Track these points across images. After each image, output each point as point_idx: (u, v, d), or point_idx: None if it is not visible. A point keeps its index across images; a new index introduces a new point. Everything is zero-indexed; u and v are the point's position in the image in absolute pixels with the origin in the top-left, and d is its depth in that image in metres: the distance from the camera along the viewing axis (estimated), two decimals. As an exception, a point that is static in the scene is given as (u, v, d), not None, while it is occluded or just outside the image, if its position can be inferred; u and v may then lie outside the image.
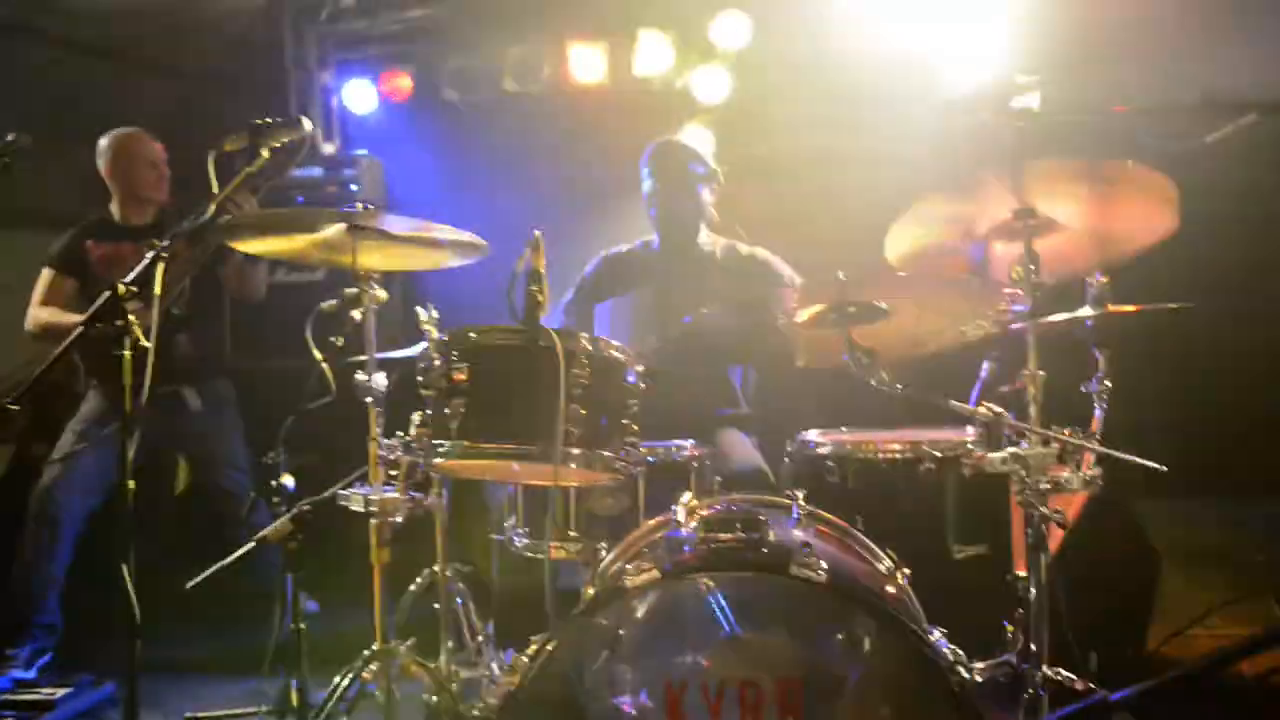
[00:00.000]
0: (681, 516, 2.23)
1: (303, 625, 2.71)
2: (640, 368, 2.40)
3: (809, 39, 4.91)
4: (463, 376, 2.25)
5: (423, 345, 2.43)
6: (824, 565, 1.82)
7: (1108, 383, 2.62)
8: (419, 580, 2.93)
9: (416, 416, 2.34)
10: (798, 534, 2.18)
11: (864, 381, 2.31)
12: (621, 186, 3.98)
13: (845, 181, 4.89)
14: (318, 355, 2.90)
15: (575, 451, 2.19)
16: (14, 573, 3.81)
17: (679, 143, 3.73)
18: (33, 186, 4.11)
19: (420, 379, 2.33)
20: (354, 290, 2.81)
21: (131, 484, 2.57)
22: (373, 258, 2.70)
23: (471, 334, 2.27)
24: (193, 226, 2.60)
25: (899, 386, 2.31)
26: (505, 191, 5.23)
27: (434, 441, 2.26)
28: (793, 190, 5.13)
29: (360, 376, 2.60)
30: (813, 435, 2.88)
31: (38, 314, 3.99)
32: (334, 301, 2.88)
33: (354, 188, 5.02)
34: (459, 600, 2.89)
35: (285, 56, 5.72)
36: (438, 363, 2.28)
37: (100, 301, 2.55)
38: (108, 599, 2.40)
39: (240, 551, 2.72)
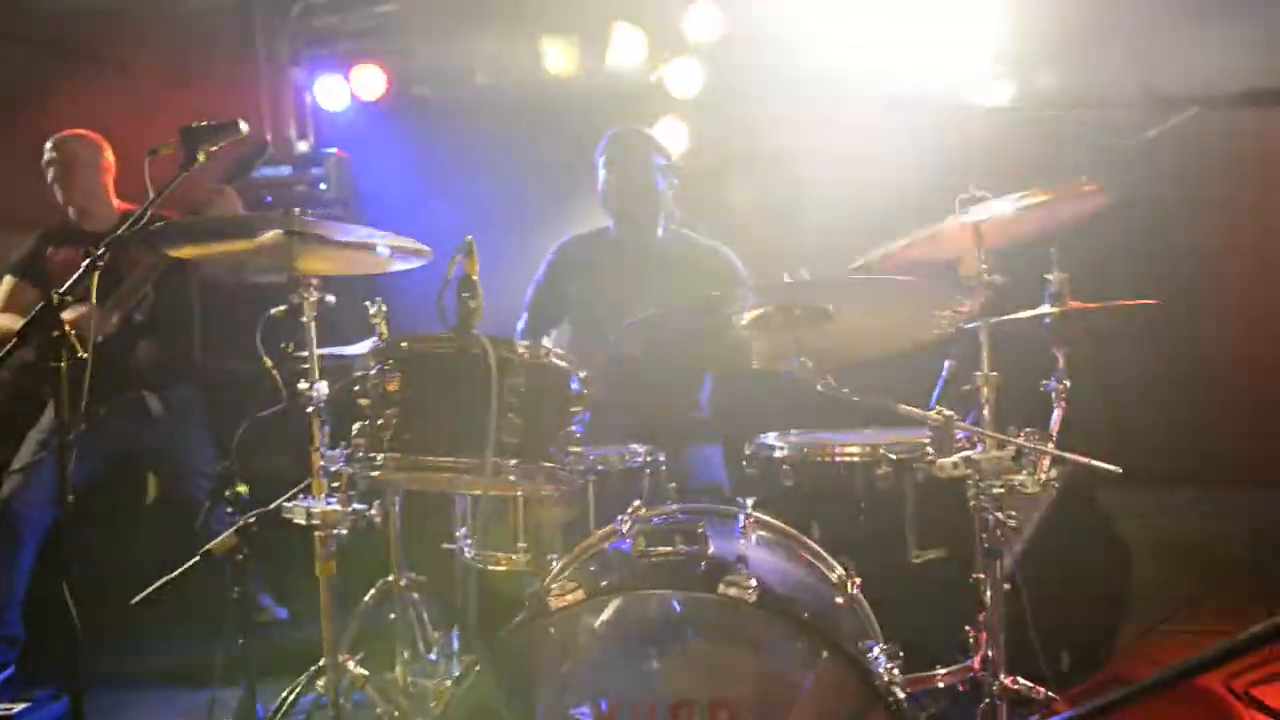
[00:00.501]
0: (625, 528, 2.16)
1: (244, 639, 2.64)
2: (584, 374, 2.32)
3: (781, 29, 4.82)
4: (395, 386, 2.17)
5: (371, 343, 2.36)
6: (753, 583, 1.74)
7: (1066, 382, 2.55)
8: (372, 591, 2.86)
9: (355, 426, 2.26)
10: (739, 545, 2.11)
11: (816, 387, 2.23)
12: (595, 180, 3.88)
13: (822, 175, 4.83)
14: (267, 362, 2.84)
15: (510, 463, 2.11)
16: None
17: (638, 131, 3.61)
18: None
19: (356, 388, 2.26)
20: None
21: (71, 498, 2.52)
22: (316, 263, 2.62)
23: (403, 342, 2.19)
24: (129, 234, 2.51)
25: (845, 391, 2.24)
26: (477, 186, 5.16)
27: (369, 454, 2.18)
28: (769, 184, 5.07)
29: (302, 385, 2.52)
30: (770, 438, 2.80)
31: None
32: (283, 307, 2.81)
33: (322, 186, 4.94)
34: (413, 611, 2.82)
35: (256, 54, 5.63)
36: (372, 371, 2.20)
37: (34, 313, 2.47)
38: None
39: (186, 566, 2.64)
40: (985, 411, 2.33)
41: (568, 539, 2.49)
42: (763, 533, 2.27)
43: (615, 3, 5.16)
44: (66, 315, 3.78)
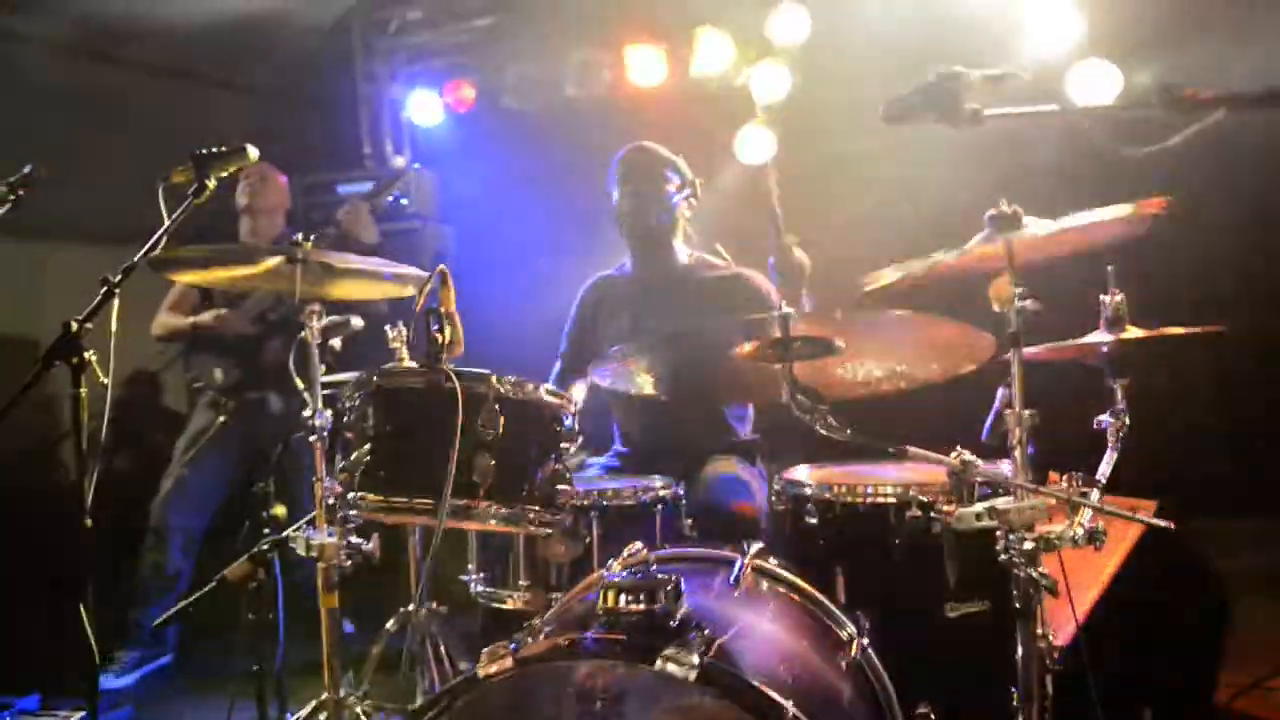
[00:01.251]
0: (613, 569, 2.00)
1: (259, 665, 2.59)
2: (575, 409, 2.16)
3: (869, 28, 4.55)
4: (371, 421, 2.07)
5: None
6: (695, 659, 1.53)
7: (1124, 419, 2.25)
8: (392, 621, 2.78)
9: (340, 462, 2.18)
10: (719, 602, 1.92)
11: (810, 427, 2.01)
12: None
13: (915, 178, 4.54)
14: (300, 384, 2.79)
15: (481, 507, 1.97)
16: (136, 577, 4.03)
17: (651, 148, 3.36)
18: (125, 206, 4.18)
19: (339, 421, 2.17)
20: (338, 318, 2.68)
21: (89, 522, 2.51)
22: (335, 287, 2.55)
23: (376, 377, 2.08)
24: (140, 260, 2.50)
25: (848, 431, 2.00)
26: (565, 197, 5.08)
27: (347, 491, 2.08)
28: (857, 190, 4.81)
29: (305, 413, 2.45)
30: (800, 472, 2.59)
31: (162, 319, 4.22)
32: (324, 323, 2.76)
33: (403, 201, 4.92)
34: (431, 641, 2.72)
35: (355, 72, 5.70)
36: (351, 406, 2.11)
37: (56, 340, 2.47)
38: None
39: (201, 591, 2.61)
40: (1015, 453, 2.06)
41: (579, 575, 2.34)
42: (762, 583, 2.06)
43: (700, 9, 4.98)
44: (205, 317, 4.08)
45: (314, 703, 2.48)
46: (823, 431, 2.00)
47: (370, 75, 5.67)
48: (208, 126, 5.39)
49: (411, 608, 2.76)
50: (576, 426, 2.18)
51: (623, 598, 1.79)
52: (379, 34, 5.64)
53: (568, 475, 2.15)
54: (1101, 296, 2.27)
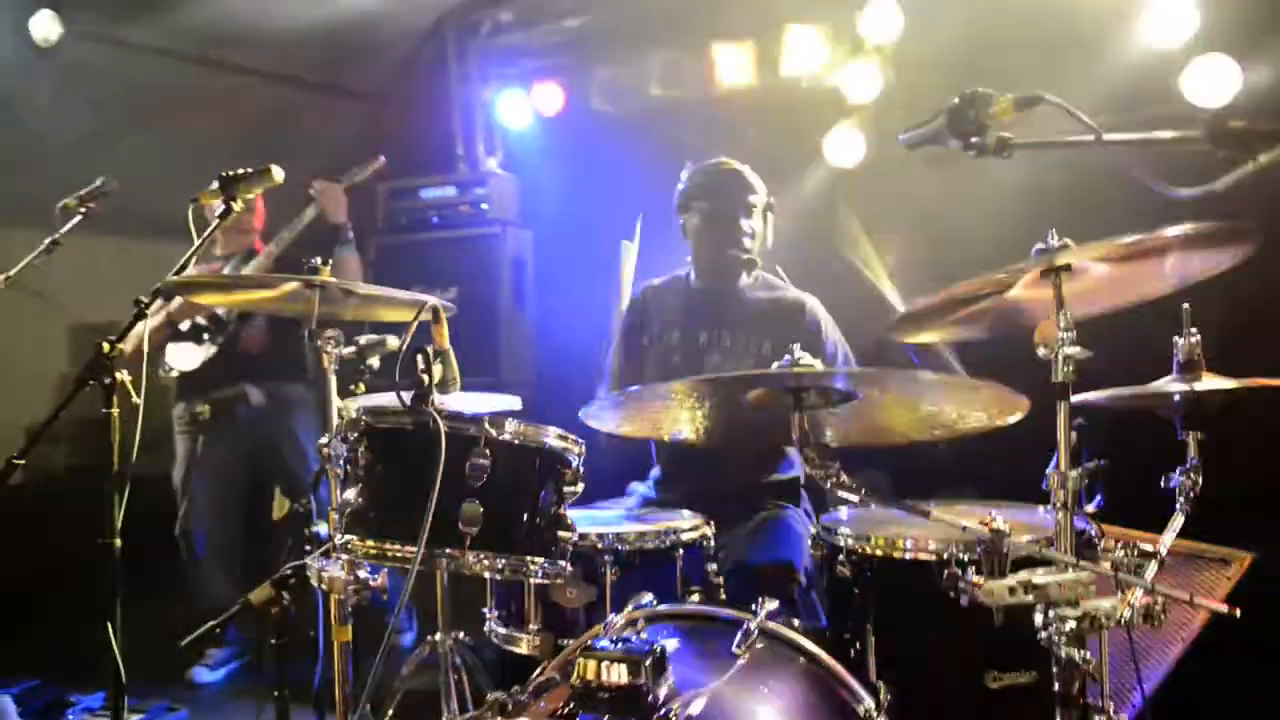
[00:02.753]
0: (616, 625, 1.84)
1: (281, 691, 2.51)
2: (581, 450, 2.00)
3: (964, 24, 4.22)
4: (361, 462, 1.94)
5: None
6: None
7: (1197, 477, 1.95)
8: (418, 650, 2.67)
9: (337, 500, 2.07)
10: (710, 675, 1.72)
11: (820, 484, 1.79)
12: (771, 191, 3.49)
13: (1005, 181, 4.20)
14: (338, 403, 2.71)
15: (468, 557, 1.83)
16: None
17: (740, 170, 3.08)
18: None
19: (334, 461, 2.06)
20: (375, 337, 2.59)
21: (118, 542, 2.48)
22: (351, 310, 2.46)
23: (365, 415, 1.96)
24: (165, 284, 2.45)
25: (862, 491, 1.78)
26: (652, 199, 4.90)
27: (339, 531, 1.97)
28: (945, 195, 4.48)
29: (321, 440, 2.35)
30: (840, 515, 2.36)
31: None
32: (351, 349, 2.67)
33: (484, 206, 4.83)
34: (455, 673, 2.61)
35: (449, 74, 5.64)
36: (344, 443, 1.99)
37: (89, 359, 2.45)
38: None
39: (227, 615, 2.55)
40: (1059, 516, 1.79)
41: (593, 620, 2.18)
42: (769, 650, 1.86)
43: (790, 6, 4.73)
44: (175, 303, 3.97)
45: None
46: (834, 490, 1.79)
47: (463, 78, 5.60)
48: (312, 130, 5.44)
49: (438, 637, 2.64)
50: (582, 469, 2.01)
51: (602, 669, 1.62)
52: (472, 36, 5.56)
53: (568, 521, 1.99)
54: (1175, 339, 1.97)
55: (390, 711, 2.65)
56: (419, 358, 1.84)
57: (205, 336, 4.05)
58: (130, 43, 4.83)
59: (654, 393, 2.12)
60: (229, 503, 4.12)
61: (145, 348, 2.57)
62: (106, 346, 2.45)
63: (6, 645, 3.79)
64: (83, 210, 3.04)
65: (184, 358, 4.06)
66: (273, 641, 2.55)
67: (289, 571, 2.53)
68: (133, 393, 2.50)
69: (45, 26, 4.41)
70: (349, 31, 5.46)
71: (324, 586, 2.27)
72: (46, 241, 3.01)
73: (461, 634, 2.67)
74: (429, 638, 2.69)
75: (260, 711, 2.66)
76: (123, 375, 2.47)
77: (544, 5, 5.37)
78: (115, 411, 2.47)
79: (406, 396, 1.82)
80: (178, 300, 4.01)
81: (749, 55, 4.84)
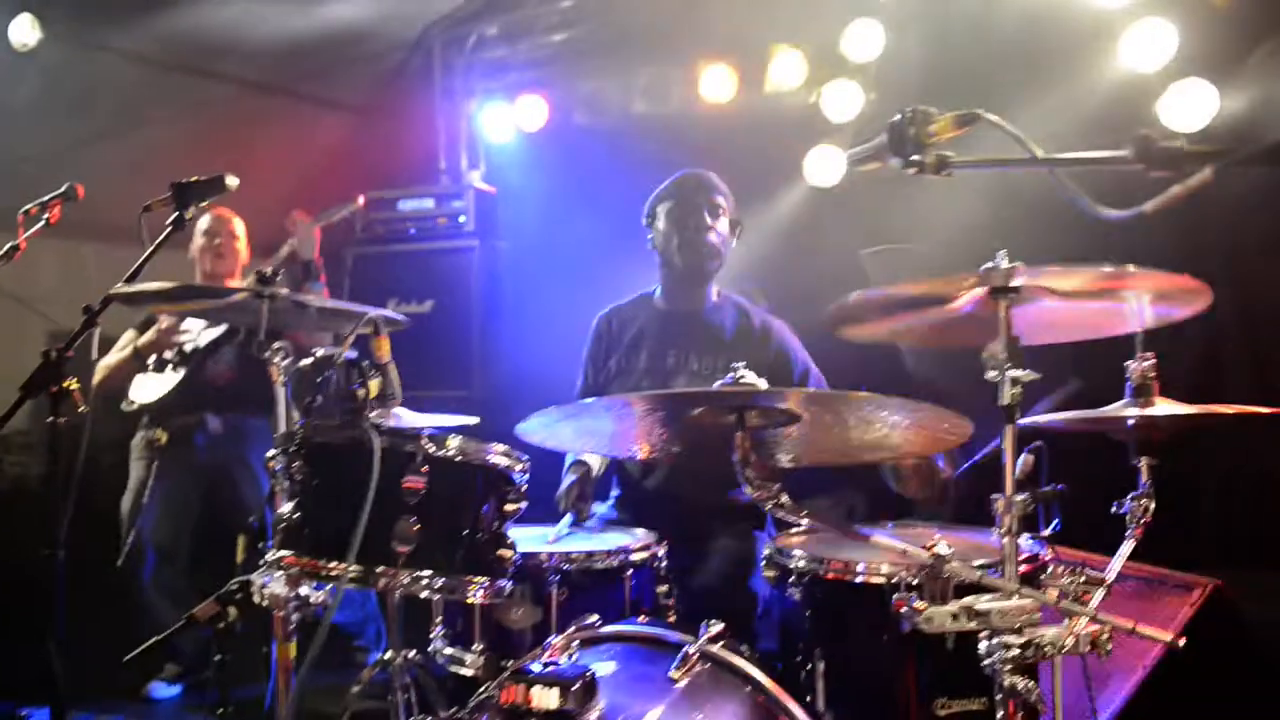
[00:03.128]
0: (536, 664, 1.78)
1: (226, 708, 2.46)
2: (522, 468, 1.95)
3: (945, 44, 4.21)
4: (298, 477, 1.90)
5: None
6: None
7: (1148, 502, 1.91)
8: (366, 669, 2.62)
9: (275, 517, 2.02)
10: (641, 701, 1.68)
11: (759, 506, 1.75)
12: (746, 208, 3.43)
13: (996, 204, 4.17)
14: (294, 416, 2.67)
15: (400, 575, 1.78)
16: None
17: (708, 178, 3.03)
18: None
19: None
20: (328, 351, 2.55)
21: (61, 553, 2.44)
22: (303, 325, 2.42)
23: (301, 429, 1.91)
24: (114, 295, 2.41)
25: (804, 514, 1.74)
26: (634, 215, 4.89)
27: (275, 548, 1.92)
28: (928, 212, 4.45)
29: (268, 454, 2.30)
30: (794, 539, 2.32)
31: (101, 363, 4.00)
32: (308, 360, 2.63)
33: (461, 219, 4.80)
34: (405, 691, 2.55)
35: (434, 86, 5.62)
36: (281, 457, 1.95)
37: (36, 369, 2.41)
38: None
39: (171, 630, 2.50)
40: (1004, 543, 1.75)
41: (539, 642, 2.13)
42: (708, 675, 1.81)
43: (773, 25, 4.71)
44: (147, 336, 3.94)
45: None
46: (775, 514, 1.75)
47: (448, 91, 5.59)
48: (296, 140, 5.42)
49: (389, 655, 2.58)
50: (525, 487, 1.97)
51: (530, 693, 1.58)
52: (457, 49, 5.55)
53: (509, 540, 1.94)
54: (1127, 363, 1.93)
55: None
56: (353, 371, 1.80)
57: (169, 368, 4.00)
58: (111, 49, 4.80)
59: (601, 409, 2.07)
60: (179, 531, 4.03)
61: (94, 354, 2.50)
62: (53, 355, 2.41)
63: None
64: (45, 217, 2.99)
65: (146, 390, 4.01)
66: (216, 658, 2.50)
67: (234, 587, 2.48)
68: (80, 401, 2.46)
69: (23, 31, 4.37)
70: (334, 42, 5.43)
71: (266, 603, 2.22)
72: (6, 247, 2.97)
73: (413, 653, 2.61)
74: (380, 656, 2.63)
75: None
76: (70, 383, 2.44)
77: (530, 20, 5.35)
78: (62, 420, 2.44)
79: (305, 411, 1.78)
80: (148, 335, 3.97)
81: (732, 73, 4.82)
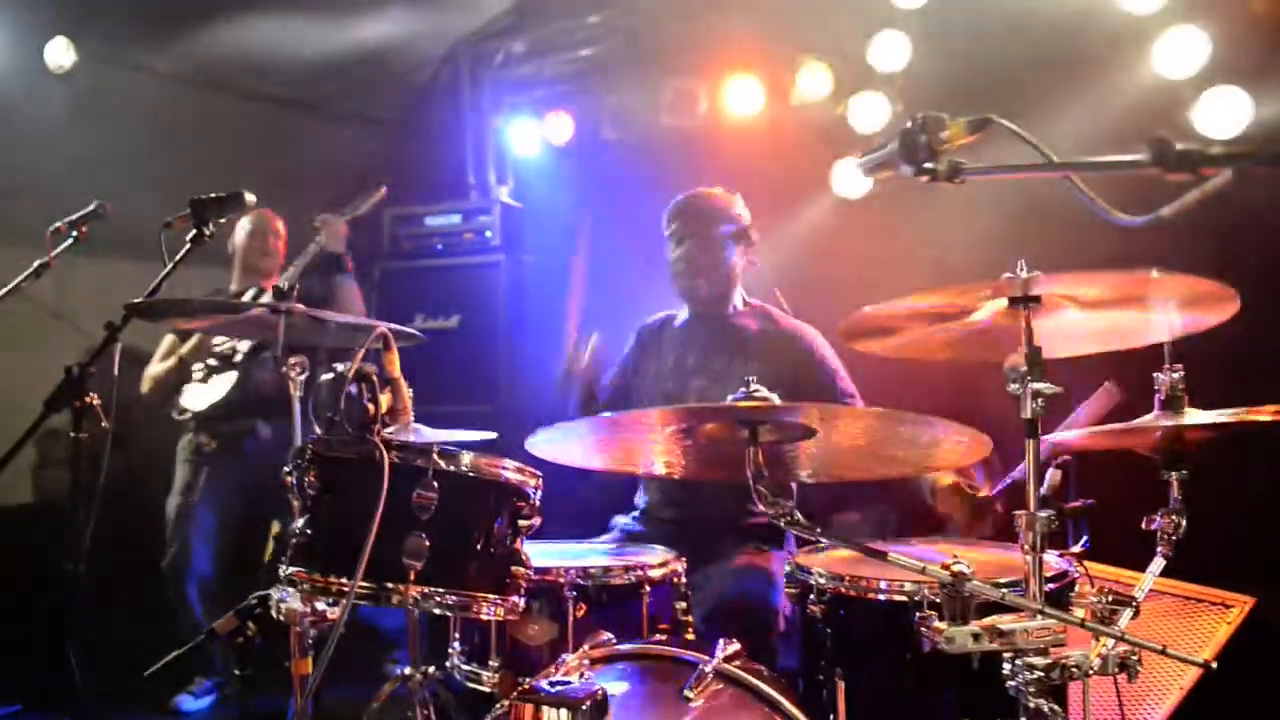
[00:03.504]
0: (546, 683, 1.75)
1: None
2: (535, 482, 1.93)
3: (971, 55, 4.15)
4: (310, 492, 1.88)
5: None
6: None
7: (1179, 518, 1.85)
8: (387, 683, 2.60)
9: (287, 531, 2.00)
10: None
11: (775, 521, 1.71)
12: (774, 221, 3.37)
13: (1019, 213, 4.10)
14: (317, 430, 2.66)
15: (411, 592, 1.76)
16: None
17: (707, 196, 3.06)
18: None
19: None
20: (345, 365, 2.54)
21: (81, 566, 2.44)
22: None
23: (312, 444, 1.90)
24: (132, 307, 2.42)
25: (817, 531, 1.70)
26: (657, 232, 4.86)
27: (286, 564, 1.91)
28: (954, 225, 4.39)
29: (285, 469, 2.29)
30: (815, 555, 2.27)
31: (148, 372, 4.15)
32: (330, 375, 2.62)
33: (488, 234, 4.80)
34: (424, 707, 2.53)
35: (462, 102, 5.64)
36: (294, 471, 1.93)
37: (59, 384, 2.42)
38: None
39: (191, 644, 2.49)
40: (1028, 560, 1.70)
41: (553, 658, 2.10)
42: (725, 696, 1.77)
43: (800, 37, 4.68)
44: (189, 345, 4.02)
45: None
46: (790, 530, 1.71)
47: (476, 106, 5.61)
48: (326, 156, 5.45)
49: (408, 670, 2.57)
50: (540, 502, 1.94)
51: (542, 713, 1.55)
52: (485, 66, 5.57)
53: (523, 556, 1.92)
54: (1156, 374, 1.87)
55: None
56: (361, 386, 1.78)
57: (214, 376, 4.04)
58: (144, 69, 4.86)
59: (610, 424, 2.04)
60: (223, 538, 4.06)
61: (116, 370, 2.51)
62: (76, 370, 2.43)
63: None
64: (74, 234, 3.02)
65: (197, 398, 4.06)
66: (237, 672, 2.49)
67: (254, 601, 2.47)
68: (103, 417, 2.48)
69: (59, 53, 4.44)
70: (364, 59, 5.47)
71: (282, 618, 2.20)
72: (35, 265, 3.00)
73: (432, 668, 2.59)
74: (399, 671, 2.62)
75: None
76: (93, 399, 2.45)
77: (557, 36, 5.36)
78: (84, 435, 2.46)
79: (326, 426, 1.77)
80: (192, 342, 4.02)
81: (759, 85, 4.80)
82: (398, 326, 2.10)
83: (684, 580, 2.28)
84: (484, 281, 4.73)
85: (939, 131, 1.44)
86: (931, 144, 1.44)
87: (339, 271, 4.00)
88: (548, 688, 1.58)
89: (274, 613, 2.21)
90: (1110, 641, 1.65)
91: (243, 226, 4.23)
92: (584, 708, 1.52)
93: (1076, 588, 1.81)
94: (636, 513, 2.90)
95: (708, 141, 4.94)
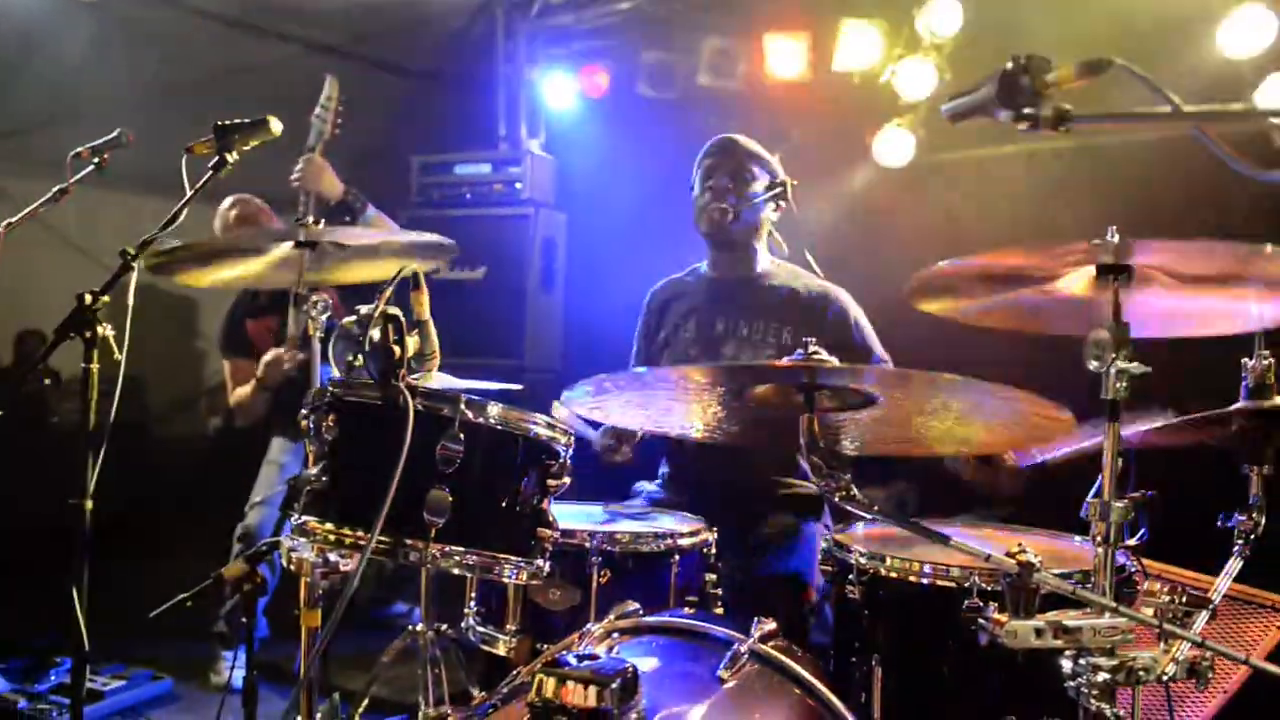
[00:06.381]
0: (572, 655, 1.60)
1: (251, 671, 2.33)
2: (566, 439, 1.78)
3: (1028, 22, 3.94)
4: (327, 437, 1.74)
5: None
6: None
7: (1259, 516, 1.69)
8: (395, 642, 2.47)
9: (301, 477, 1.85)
10: (685, 703, 1.49)
11: (826, 497, 1.55)
12: (811, 189, 3.19)
13: (1069, 190, 3.91)
14: (336, 374, 2.52)
15: (430, 549, 1.62)
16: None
17: (739, 141, 2.82)
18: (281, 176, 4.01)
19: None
20: (369, 307, 2.38)
21: (89, 504, 2.30)
22: (347, 271, 2.25)
23: (333, 388, 1.75)
24: (150, 238, 2.26)
25: (875, 508, 1.54)
26: (688, 191, 4.69)
27: (300, 513, 1.76)
28: (996, 198, 4.19)
29: (303, 413, 2.15)
30: (854, 533, 2.12)
31: (233, 399, 3.81)
32: (352, 318, 2.47)
33: (518, 186, 4.62)
34: (433, 666, 2.39)
35: (496, 52, 5.45)
36: (311, 415, 1.78)
37: (70, 313, 2.28)
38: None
39: (198, 589, 2.37)
40: (1099, 553, 1.54)
41: (575, 625, 1.96)
42: (759, 676, 1.62)
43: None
44: (266, 356, 3.57)
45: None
46: (843, 506, 1.55)
47: (510, 57, 5.42)
48: (358, 102, 5.26)
49: (419, 627, 2.43)
50: (569, 461, 1.79)
51: (563, 688, 1.40)
52: (521, 16, 5.37)
53: (550, 517, 1.77)
54: (1245, 360, 1.70)
55: (365, 700, 2.45)
56: (388, 327, 1.63)
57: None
58: (176, 3, 4.69)
59: (653, 380, 1.89)
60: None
61: (130, 300, 2.35)
62: (88, 297, 2.28)
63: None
64: (95, 161, 2.87)
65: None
66: (244, 620, 2.37)
67: (264, 548, 2.35)
68: (115, 348, 2.33)
69: (89, -18, 4.27)
70: (398, 5, 5.30)
71: (293, 568, 2.07)
72: (53, 190, 2.84)
73: (445, 626, 2.45)
74: (409, 627, 2.48)
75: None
76: (105, 329, 2.31)
77: (595, -13, 5.16)
78: (95, 367, 2.31)
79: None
80: (266, 363, 3.59)
81: (801, 47, 4.58)
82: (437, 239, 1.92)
83: (714, 551, 2.14)
84: (513, 233, 4.56)
85: (1044, 74, 1.27)
86: (1035, 86, 1.27)
87: (350, 213, 3.47)
88: (574, 661, 1.43)
89: (284, 561, 2.09)
90: (1185, 645, 1.49)
91: (229, 217, 3.87)
92: (613, 685, 1.37)
93: (1144, 584, 1.65)
94: (661, 479, 2.75)
95: (746, 103, 4.74)
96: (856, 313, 2.73)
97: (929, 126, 4.31)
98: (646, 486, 2.72)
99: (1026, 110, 1.28)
